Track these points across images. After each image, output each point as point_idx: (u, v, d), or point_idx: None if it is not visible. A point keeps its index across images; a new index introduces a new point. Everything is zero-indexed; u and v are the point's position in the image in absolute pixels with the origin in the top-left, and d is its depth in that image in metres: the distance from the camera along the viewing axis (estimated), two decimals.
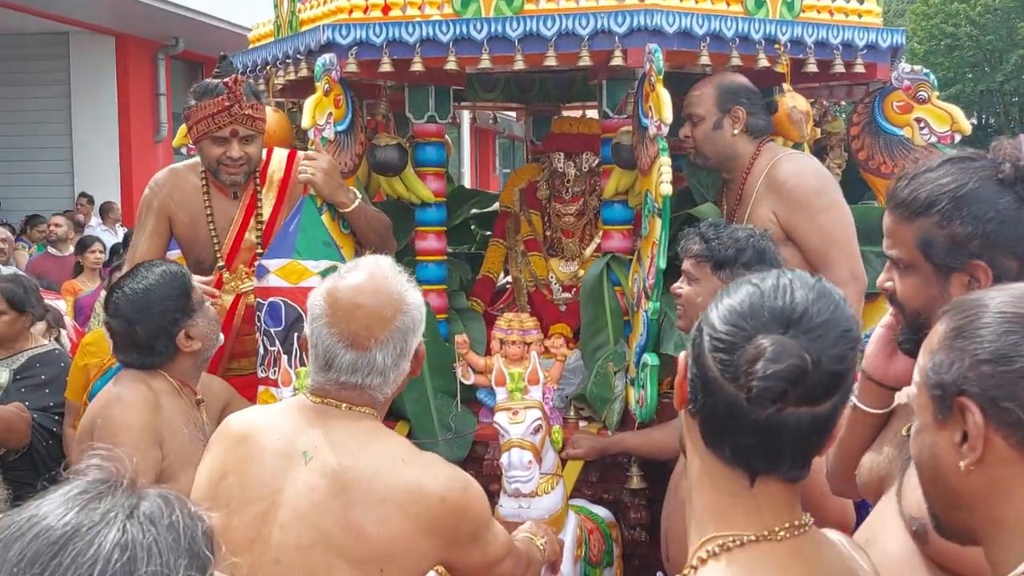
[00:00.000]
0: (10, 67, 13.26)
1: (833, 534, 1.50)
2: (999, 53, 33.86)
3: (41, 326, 5.15)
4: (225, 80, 3.37)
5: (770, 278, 1.41)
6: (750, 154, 3.41)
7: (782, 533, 1.37)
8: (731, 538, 1.36)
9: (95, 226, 11.45)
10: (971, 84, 33.99)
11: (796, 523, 1.39)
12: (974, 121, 32.58)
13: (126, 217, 12.30)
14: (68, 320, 6.28)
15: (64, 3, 11.60)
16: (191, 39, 13.33)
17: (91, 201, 12.44)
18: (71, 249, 9.02)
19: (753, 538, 1.36)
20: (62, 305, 6.60)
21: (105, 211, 12.07)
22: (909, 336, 1.85)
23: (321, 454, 2.02)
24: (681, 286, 2.90)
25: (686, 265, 2.88)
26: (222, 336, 3.13)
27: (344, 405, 2.08)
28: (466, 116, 13.87)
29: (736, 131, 3.41)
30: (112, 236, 10.70)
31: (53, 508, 1.03)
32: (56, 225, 9.57)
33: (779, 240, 3.32)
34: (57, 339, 5.26)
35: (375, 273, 2.10)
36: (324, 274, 2.94)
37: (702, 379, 1.38)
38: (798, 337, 1.33)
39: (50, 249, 9.46)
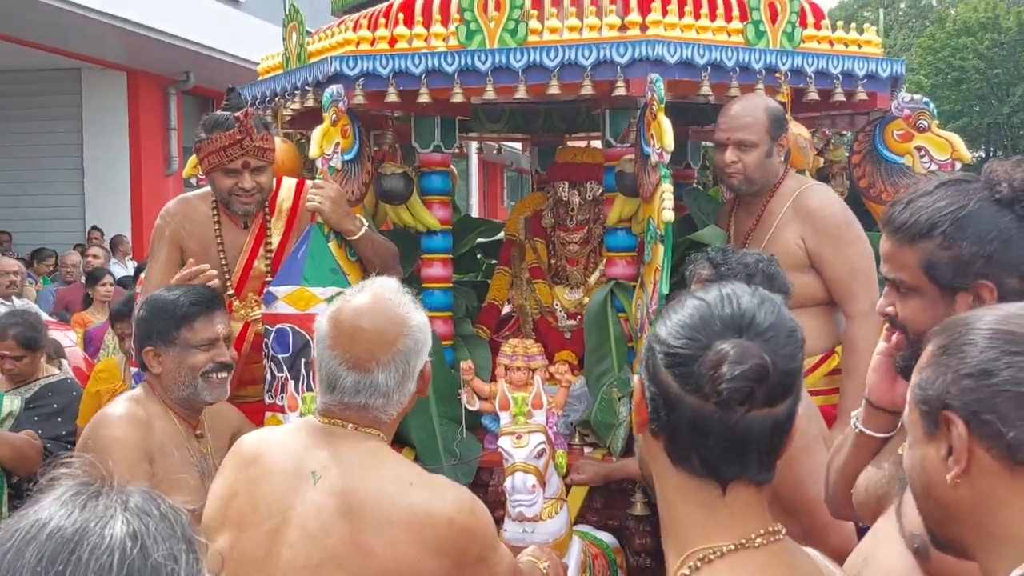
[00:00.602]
0: (24, 102, 13.42)
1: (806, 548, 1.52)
2: (1006, 86, 34.00)
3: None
4: (236, 114, 3.41)
5: (712, 290, 1.44)
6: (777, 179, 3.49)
7: (759, 540, 1.39)
8: (711, 550, 1.37)
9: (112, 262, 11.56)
10: (978, 117, 34.11)
11: (771, 529, 1.41)
12: (981, 154, 32.62)
13: (136, 250, 12.40)
14: (78, 351, 6.33)
15: (77, 40, 11.74)
16: (201, 74, 13.47)
17: (102, 234, 12.54)
18: (118, 271, 9.24)
19: (732, 547, 1.37)
20: (72, 336, 6.66)
21: (115, 244, 12.16)
22: (911, 361, 1.88)
23: (329, 474, 2.04)
24: None
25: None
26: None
27: (350, 425, 2.10)
28: (474, 149, 13.96)
29: (781, 159, 3.48)
30: (122, 269, 10.78)
31: (55, 511, 1.07)
32: (94, 256, 9.81)
33: (801, 266, 3.38)
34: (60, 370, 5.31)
35: (379, 295, 2.12)
36: (331, 301, 2.98)
37: (663, 396, 1.39)
38: (753, 340, 1.36)
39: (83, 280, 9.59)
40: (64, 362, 5.49)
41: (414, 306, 2.14)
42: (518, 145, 6.18)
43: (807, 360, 3.37)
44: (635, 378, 1.48)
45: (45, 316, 6.36)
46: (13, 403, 4.40)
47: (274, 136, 3.59)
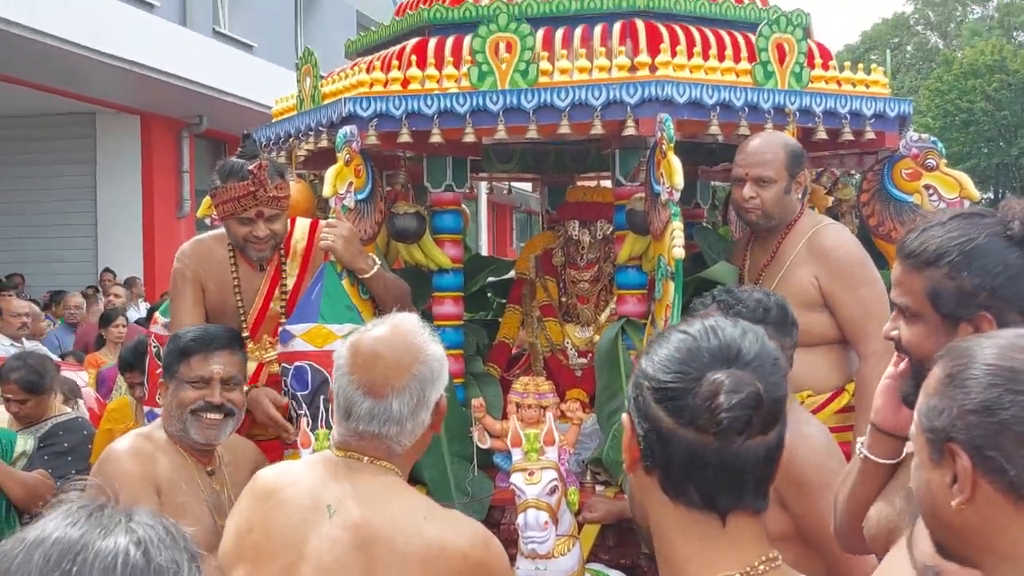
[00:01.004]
0: (39, 146, 13.56)
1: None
2: (1014, 128, 34.12)
3: (59, 398, 5.25)
4: (250, 167, 3.45)
5: (694, 323, 1.47)
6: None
7: (762, 567, 1.42)
8: None
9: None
10: (986, 158, 34.21)
11: (770, 556, 1.44)
12: (990, 195, 32.66)
13: (149, 292, 12.46)
14: (90, 391, 6.37)
15: (92, 84, 11.88)
16: (215, 117, 13.60)
17: (115, 276, 12.60)
18: (132, 313, 9.30)
19: (743, 572, 1.41)
20: (84, 376, 6.69)
21: (128, 286, 12.22)
22: (914, 392, 1.89)
23: (345, 508, 2.06)
24: None
25: None
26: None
27: (366, 458, 2.11)
28: (483, 191, 14.04)
29: (799, 195, 3.51)
30: (135, 311, 10.83)
31: (60, 523, 1.11)
32: (115, 296, 9.99)
33: (814, 305, 3.39)
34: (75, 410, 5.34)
35: (398, 326, 2.17)
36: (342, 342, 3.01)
37: (656, 432, 1.41)
38: (742, 370, 1.39)
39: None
40: (80, 402, 5.53)
41: (432, 339, 2.18)
42: (528, 186, 6.22)
43: (818, 397, 3.42)
44: (624, 417, 1.49)
45: (55, 357, 6.40)
46: (26, 442, 4.44)
47: (289, 182, 3.63)
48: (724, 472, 1.39)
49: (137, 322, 8.68)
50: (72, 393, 5.52)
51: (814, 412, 3.23)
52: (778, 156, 3.43)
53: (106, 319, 8.29)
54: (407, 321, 2.19)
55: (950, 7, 45.40)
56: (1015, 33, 41.49)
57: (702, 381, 1.38)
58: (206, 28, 14.76)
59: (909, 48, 44.54)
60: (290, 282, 3.62)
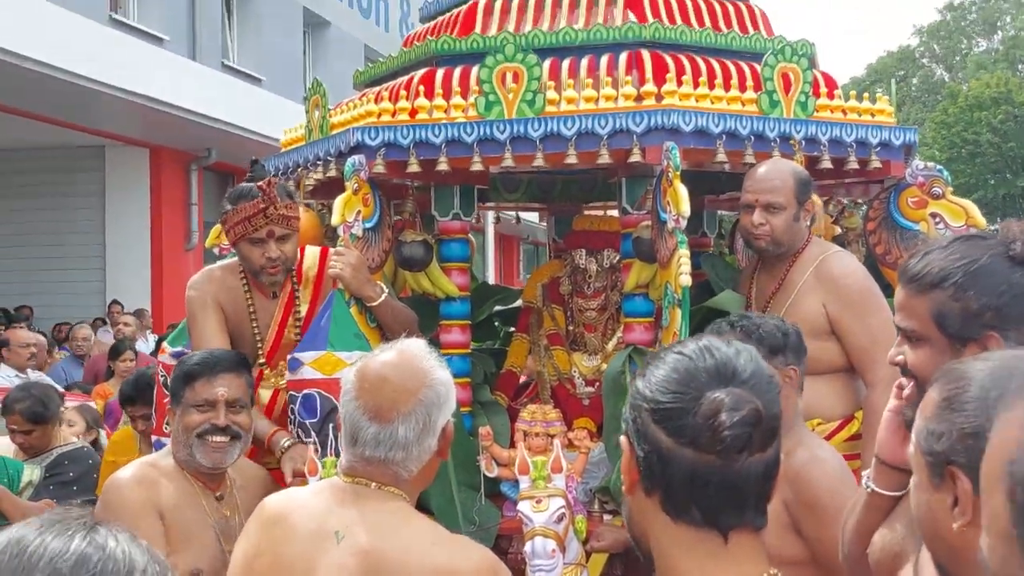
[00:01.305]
0: (48, 179, 13.64)
1: None
2: (1020, 159, 34.17)
3: (81, 426, 5.26)
4: (259, 184, 3.47)
5: (689, 344, 1.49)
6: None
7: None
8: None
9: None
10: (993, 190, 34.25)
11: (771, 572, 1.44)
12: (996, 227, 32.61)
13: (156, 324, 12.48)
14: None
15: (101, 117, 11.96)
16: (223, 150, 13.66)
17: (123, 308, 12.63)
18: (140, 346, 9.30)
19: None
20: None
21: (137, 317, 12.24)
22: None
23: (353, 534, 2.05)
24: None
25: None
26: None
27: (373, 484, 2.11)
28: (490, 222, 14.08)
29: (808, 223, 3.51)
30: (144, 343, 10.84)
31: (26, 531, 1.08)
32: (125, 324, 9.97)
33: (822, 333, 3.39)
34: (95, 440, 5.33)
35: (404, 351, 2.17)
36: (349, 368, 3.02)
37: (656, 453, 1.42)
38: (740, 388, 1.41)
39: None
40: (102, 431, 5.53)
41: (439, 364, 2.18)
42: (535, 217, 6.25)
43: (827, 425, 3.41)
44: (622, 440, 1.49)
45: (59, 388, 6.42)
46: (33, 472, 4.44)
47: (298, 205, 3.65)
48: (725, 490, 1.40)
49: (151, 354, 8.70)
50: (95, 423, 5.53)
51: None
52: (787, 183, 3.44)
53: (115, 351, 8.31)
54: (414, 346, 2.20)
55: (955, 40, 45.58)
56: (1020, 66, 41.63)
57: (701, 400, 1.40)
58: (215, 62, 14.88)
59: (915, 81, 44.68)
60: (303, 309, 3.63)
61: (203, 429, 2.98)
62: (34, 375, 7.35)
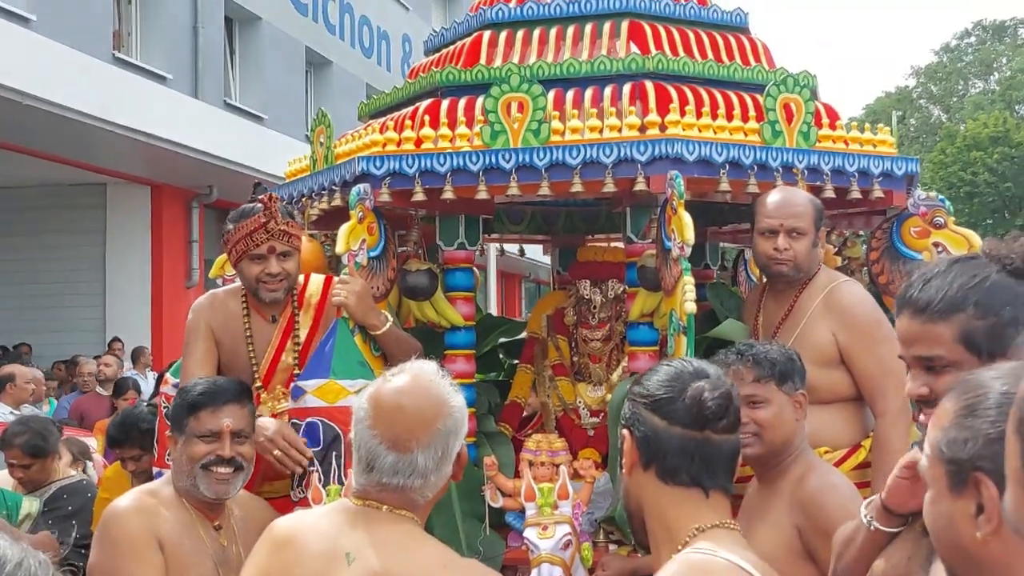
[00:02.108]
0: (49, 215, 13.65)
1: None
2: (1018, 199, 34.32)
3: (67, 459, 5.21)
4: (261, 198, 3.49)
5: (674, 360, 2.09)
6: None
7: (731, 524, 1.89)
8: (698, 527, 1.84)
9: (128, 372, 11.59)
10: (991, 230, 34.30)
11: (734, 524, 1.90)
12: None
13: (156, 362, 12.46)
14: (99, 458, 6.34)
15: (103, 155, 12.01)
16: (224, 187, 13.70)
17: (123, 345, 12.62)
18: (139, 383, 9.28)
19: (717, 523, 1.86)
20: (93, 443, 6.67)
21: (136, 356, 12.22)
22: None
23: (364, 556, 2.03)
24: (754, 414, 2.76)
25: (749, 391, 2.75)
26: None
27: (385, 507, 2.09)
28: (492, 258, 14.08)
29: (821, 249, 3.52)
30: (143, 381, 10.82)
31: None
32: (106, 365, 9.83)
33: (831, 362, 3.38)
34: (84, 471, 5.30)
35: (419, 376, 2.14)
36: (360, 393, 3.00)
37: (652, 434, 1.88)
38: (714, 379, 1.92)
39: (98, 388, 9.62)
40: (89, 464, 5.49)
41: (453, 389, 2.15)
42: (538, 253, 6.26)
43: (835, 454, 3.40)
44: (623, 432, 1.92)
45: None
46: (32, 505, 4.41)
47: (300, 224, 3.65)
48: (705, 460, 1.86)
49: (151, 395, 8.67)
50: (82, 455, 5.48)
51: None
52: (808, 210, 3.45)
53: (119, 389, 8.37)
54: (427, 370, 2.16)
55: (952, 81, 45.92)
56: (1017, 107, 41.90)
57: (687, 390, 1.87)
58: (217, 100, 14.96)
59: (912, 121, 44.95)
60: (303, 334, 3.62)
61: (208, 460, 2.96)
62: (27, 410, 7.33)
